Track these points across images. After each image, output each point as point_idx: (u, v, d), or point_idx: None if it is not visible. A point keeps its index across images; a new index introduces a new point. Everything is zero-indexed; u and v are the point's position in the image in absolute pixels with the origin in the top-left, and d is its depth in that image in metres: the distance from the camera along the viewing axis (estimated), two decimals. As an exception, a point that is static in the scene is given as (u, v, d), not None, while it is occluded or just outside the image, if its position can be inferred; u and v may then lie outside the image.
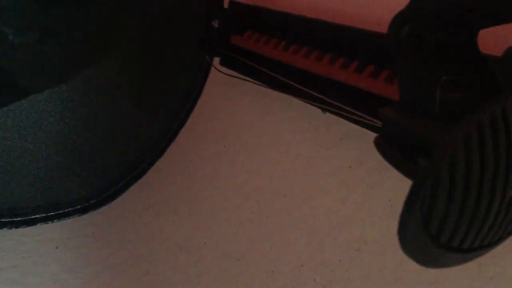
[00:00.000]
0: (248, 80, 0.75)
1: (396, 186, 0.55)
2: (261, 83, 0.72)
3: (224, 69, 0.83)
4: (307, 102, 0.64)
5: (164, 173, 0.86)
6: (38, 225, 0.78)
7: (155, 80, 0.87)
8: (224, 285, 0.63)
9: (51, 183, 0.89)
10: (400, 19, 0.32)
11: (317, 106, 0.62)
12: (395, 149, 0.30)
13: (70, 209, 0.89)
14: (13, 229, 0.78)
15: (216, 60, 0.84)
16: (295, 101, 0.68)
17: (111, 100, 0.86)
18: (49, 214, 0.88)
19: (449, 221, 0.26)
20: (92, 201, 0.90)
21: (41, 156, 0.85)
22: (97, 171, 0.90)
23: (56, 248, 0.80)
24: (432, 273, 0.48)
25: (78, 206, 0.90)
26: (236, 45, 0.79)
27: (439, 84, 0.30)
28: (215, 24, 0.81)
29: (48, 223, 0.87)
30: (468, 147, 0.25)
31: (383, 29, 0.34)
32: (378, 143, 0.31)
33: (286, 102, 0.72)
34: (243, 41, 0.77)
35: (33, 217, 0.85)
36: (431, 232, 0.26)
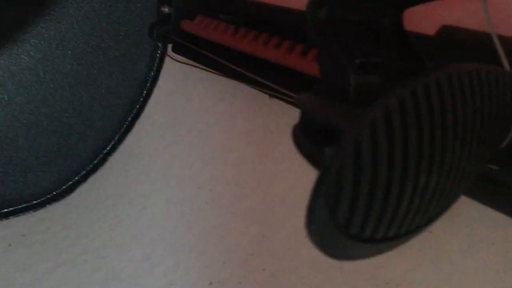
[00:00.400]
0: (199, 67, 0.74)
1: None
2: (211, 70, 0.71)
3: (177, 56, 0.81)
4: (256, 88, 0.63)
5: (120, 165, 0.84)
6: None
7: (107, 71, 0.84)
8: (177, 277, 0.62)
9: (4, 179, 0.87)
10: (316, 2, 0.31)
11: (265, 92, 0.61)
12: (309, 139, 0.28)
13: (25, 204, 0.87)
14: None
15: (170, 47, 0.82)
16: (246, 86, 0.66)
17: (65, 93, 0.84)
18: (3, 210, 0.86)
19: (358, 211, 0.25)
20: (48, 196, 0.88)
21: (-9, 152, 0.83)
22: (52, 166, 0.88)
23: (9, 245, 0.78)
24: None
25: (34, 202, 0.88)
26: (186, 30, 0.77)
27: (354, 67, 0.28)
28: (165, 9, 0.79)
29: (2, 220, 0.85)
30: (375, 134, 0.24)
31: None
32: (294, 133, 0.29)
33: (238, 88, 0.71)
34: (193, 27, 0.75)
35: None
36: (339, 223, 0.25)
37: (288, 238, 0.55)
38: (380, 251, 0.28)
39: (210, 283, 0.59)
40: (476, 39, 0.36)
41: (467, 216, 0.42)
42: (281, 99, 0.56)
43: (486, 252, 0.40)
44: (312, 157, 0.27)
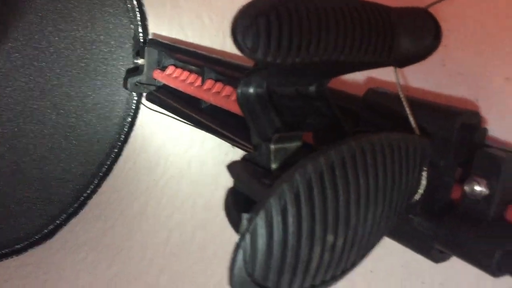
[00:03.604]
0: (170, 116, 0.78)
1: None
2: (180, 119, 0.76)
3: (151, 105, 0.86)
4: (219, 138, 0.68)
5: (99, 208, 0.88)
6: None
7: (86, 119, 0.89)
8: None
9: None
10: (246, 81, 0.36)
11: (228, 142, 0.66)
12: (236, 205, 0.33)
13: (7, 250, 0.90)
14: None
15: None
16: (218, 142, 0.71)
17: (44, 141, 0.88)
18: (-15, 257, 0.89)
19: (272, 269, 0.29)
20: (30, 240, 0.91)
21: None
22: (33, 211, 0.91)
23: (-9, 291, 0.81)
24: None
25: (16, 246, 0.91)
26: (158, 80, 0.82)
27: (273, 139, 0.33)
28: (139, 60, 0.84)
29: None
30: (283, 204, 0.29)
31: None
32: (226, 204, 0.34)
33: (207, 135, 0.75)
34: (164, 77, 0.80)
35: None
36: (256, 280, 0.29)
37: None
38: (299, 300, 0.32)
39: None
40: (393, 102, 0.41)
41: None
42: (241, 148, 0.61)
43: (418, 291, 0.45)
44: (234, 222, 0.32)
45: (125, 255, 0.77)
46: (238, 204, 0.33)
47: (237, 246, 0.28)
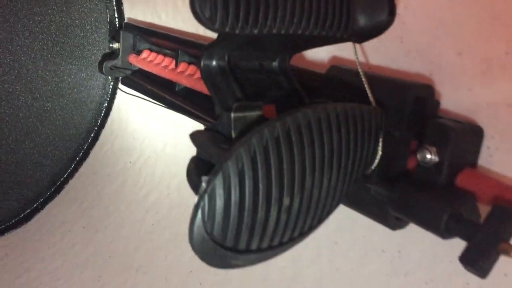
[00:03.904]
0: (145, 99, 0.79)
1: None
2: (155, 102, 0.77)
3: (126, 89, 0.87)
4: (194, 119, 0.69)
5: (75, 191, 0.89)
6: None
7: (61, 104, 0.89)
8: (123, 296, 0.67)
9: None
10: (208, 53, 0.37)
11: (201, 123, 0.67)
12: (197, 170, 0.34)
13: (-17, 233, 0.90)
14: None
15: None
16: (192, 124, 0.72)
17: (20, 125, 0.88)
18: (-38, 240, 0.89)
19: (230, 228, 0.30)
20: (8, 224, 0.92)
21: None
22: (10, 195, 0.91)
23: (-33, 273, 0.81)
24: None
25: (-7, 229, 0.91)
26: (134, 64, 0.83)
27: (234, 108, 0.35)
28: (115, 45, 0.85)
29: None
30: (240, 165, 0.30)
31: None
32: (188, 170, 0.35)
33: (182, 117, 0.76)
34: (139, 61, 0.81)
35: None
36: (215, 238, 0.30)
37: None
38: (257, 260, 0.34)
39: (153, 299, 0.64)
40: (354, 77, 0.43)
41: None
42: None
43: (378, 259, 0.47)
44: (195, 187, 0.33)
45: (101, 235, 0.78)
46: (199, 169, 0.35)
47: (196, 206, 0.30)
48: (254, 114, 0.36)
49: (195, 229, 0.30)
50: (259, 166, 0.31)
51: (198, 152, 0.36)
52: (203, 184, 0.30)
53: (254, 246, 0.32)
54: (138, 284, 0.67)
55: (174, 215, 0.70)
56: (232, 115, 0.35)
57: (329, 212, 0.37)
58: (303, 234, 0.36)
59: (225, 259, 0.32)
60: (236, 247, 0.31)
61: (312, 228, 0.36)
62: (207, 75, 0.37)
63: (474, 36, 0.38)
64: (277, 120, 0.32)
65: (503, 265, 0.37)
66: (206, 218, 0.30)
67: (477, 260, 0.32)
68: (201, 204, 0.30)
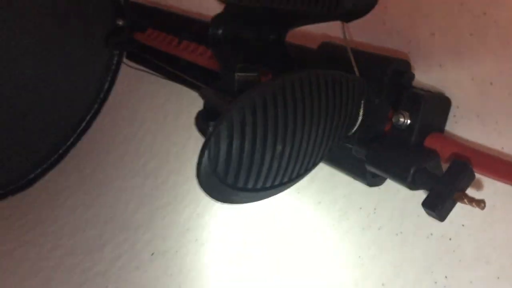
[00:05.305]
0: (149, 72, 0.85)
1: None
2: (159, 75, 0.82)
3: (131, 63, 0.92)
4: (195, 91, 0.74)
5: (77, 160, 0.94)
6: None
7: (67, 74, 0.94)
8: (124, 250, 0.73)
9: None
10: (215, 23, 0.43)
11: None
12: (204, 120, 0.40)
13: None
14: None
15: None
16: (190, 92, 0.78)
17: (28, 94, 0.93)
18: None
19: (232, 166, 0.36)
20: (11, 187, 0.97)
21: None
22: (14, 161, 0.96)
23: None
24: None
25: (-3, 192, 0.96)
26: (139, 41, 0.88)
27: (237, 69, 0.40)
28: (120, 22, 0.90)
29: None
30: (242, 116, 0.36)
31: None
32: (196, 118, 0.41)
33: (182, 90, 0.82)
34: (144, 38, 0.87)
35: None
36: (219, 174, 0.36)
37: (216, 215, 0.67)
38: (251, 199, 0.40)
39: (152, 254, 0.70)
40: (341, 52, 0.49)
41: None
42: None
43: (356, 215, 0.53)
44: (203, 131, 0.39)
45: (102, 199, 0.83)
46: (206, 117, 0.40)
47: (204, 146, 0.36)
48: (254, 75, 0.42)
49: (202, 166, 0.36)
50: (258, 116, 0.37)
51: (204, 105, 0.41)
52: (210, 128, 0.36)
53: (250, 185, 0.38)
54: (137, 242, 0.73)
55: (173, 180, 0.76)
56: (236, 74, 0.41)
57: (314, 164, 0.43)
58: (292, 180, 0.42)
59: (225, 194, 0.38)
60: (235, 184, 0.37)
61: (299, 175, 0.42)
62: (214, 42, 0.43)
63: (444, 19, 0.44)
64: (275, 79, 0.38)
65: (460, 217, 0.44)
66: (212, 157, 0.36)
67: (436, 205, 0.39)
68: (208, 144, 0.36)
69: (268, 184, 0.40)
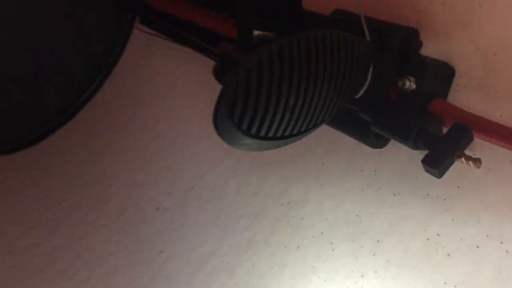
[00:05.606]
0: (162, 37, 0.86)
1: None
2: (172, 40, 0.84)
3: (143, 27, 0.93)
4: (207, 56, 0.76)
5: (85, 120, 0.96)
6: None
7: (82, 36, 0.95)
8: (128, 205, 0.76)
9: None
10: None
11: (213, 59, 0.74)
12: (222, 71, 0.42)
13: (-3, 149, 0.98)
14: None
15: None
16: (199, 55, 0.79)
17: (45, 51, 0.94)
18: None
19: (246, 114, 0.39)
20: (19, 142, 0.99)
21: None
22: (24, 116, 0.99)
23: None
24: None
25: (7, 147, 0.99)
26: (152, 5, 0.90)
27: (255, 25, 0.43)
28: (133, -14, 0.91)
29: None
30: (259, 66, 0.38)
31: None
32: (214, 69, 0.43)
33: (193, 55, 0.83)
34: (158, 2, 0.88)
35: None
36: (234, 120, 0.39)
37: (220, 174, 0.69)
38: (262, 146, 0.42)
39: (157, 208, 0.72)
40: (354, 19, 0.51)
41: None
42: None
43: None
44: (221, 80, 0.41)
45: (107, 158, 0.86)
46: (224, 67, 0.43)
47: (222, 93, 0.38)
48: (271, 34, 0.44)
49: (220, 110, 0.38)
50: (275, 66, 0.39)
51: (222, 59, 0.44)
52: (230, 76, 0.39)
53: (262, 133, 0.41)
54: (142, 198, 0.75)
55: (181, 142, 0.78)
56: (255, 32, 0.43)
57: (322, 120, 0.46)
58: (300, 133, 0.44)
59: (238, 138, 0.40)
60: (249, 130, 0.40)
61: (307, 130, 0.45)
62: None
63: (455, -11, 0.46)
64: (293, 36, 0.40)
65: (456, 179, 0.47)
66: (229, 103, 0.38)
67: (436, 161, 0.41)
68: (227, 91, 0.38)
69: (279, 134, 0.42)
